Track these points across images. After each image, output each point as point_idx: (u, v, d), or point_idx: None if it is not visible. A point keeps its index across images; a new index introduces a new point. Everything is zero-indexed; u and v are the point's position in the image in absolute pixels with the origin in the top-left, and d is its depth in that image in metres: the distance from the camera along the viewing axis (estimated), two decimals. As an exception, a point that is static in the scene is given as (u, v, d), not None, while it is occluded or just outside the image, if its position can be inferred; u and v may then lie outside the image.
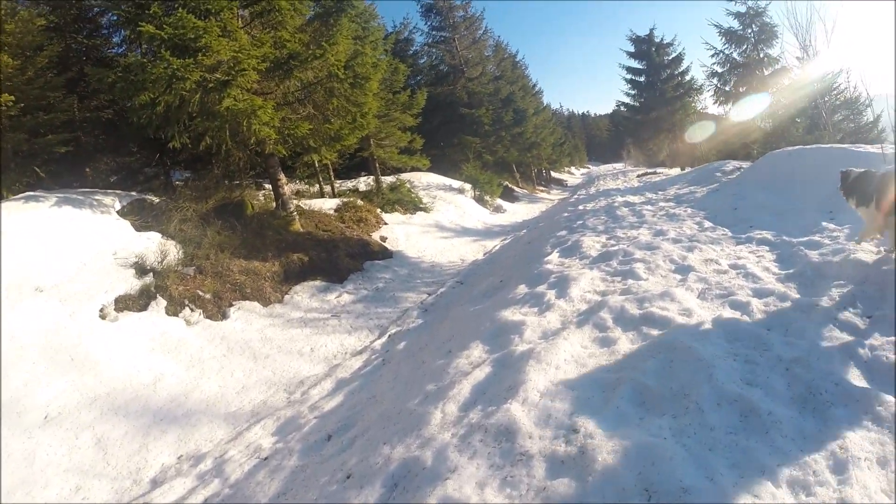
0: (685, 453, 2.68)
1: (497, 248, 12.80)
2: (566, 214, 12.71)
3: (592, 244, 7.80)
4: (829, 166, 9.25)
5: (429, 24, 30.62)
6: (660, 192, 14.16)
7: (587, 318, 4.61)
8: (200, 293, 7.61)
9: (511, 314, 5.19)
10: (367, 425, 4.19)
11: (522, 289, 6.16)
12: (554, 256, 7.54)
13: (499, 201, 22.20)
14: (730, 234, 7.24)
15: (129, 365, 5.75)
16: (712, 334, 3.84)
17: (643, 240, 7.33)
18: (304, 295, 8.77)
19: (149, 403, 5.33)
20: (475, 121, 27.25)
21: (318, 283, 9.29)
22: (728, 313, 4.24)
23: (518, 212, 21.90)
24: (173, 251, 8.07)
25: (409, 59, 27.09)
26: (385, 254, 11.55)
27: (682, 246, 6.66)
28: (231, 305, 7.75)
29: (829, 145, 11.10)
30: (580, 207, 13.53)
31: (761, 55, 18.28)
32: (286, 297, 8.61)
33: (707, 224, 8.15)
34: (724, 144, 22.89)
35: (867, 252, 5.12)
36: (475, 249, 13.06)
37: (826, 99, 17.64)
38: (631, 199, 13.60)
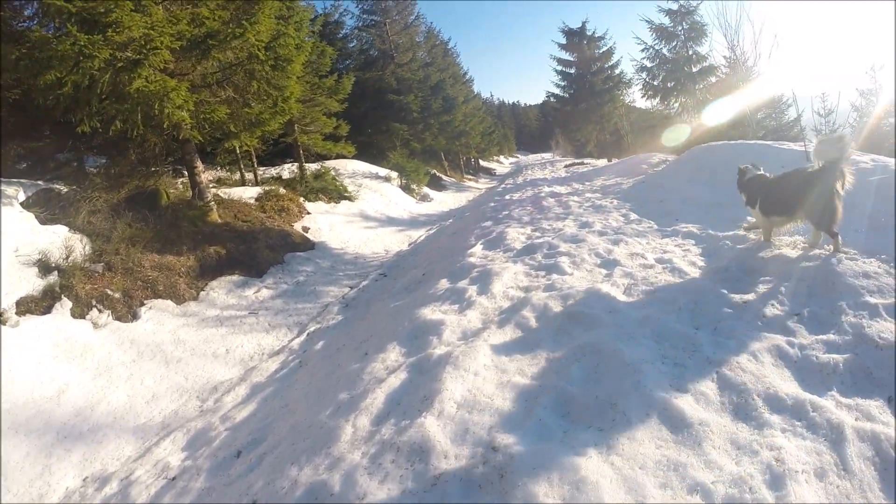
0: (613, 474, 2.46)
1: (422, 238, 12.53)
2: (492, 204, 12.58)
3: (517, 236, 7.64)
4: (753, 161, 9.48)
5: (360, 6, 29.96)
6: (587, 183, 14.23)
7: (509, 316, 4.38)
8: (109, 292, 6.97)
9: (431, 312, 4.91)
10: (277, 439, 3.84)
11: (444, 284, 5.90)
12: (478, 249, 7.33)
13: (426, 190, 21.93)
14: (656, 226, 7.20)
15: (32, 376, 5.16)
16: (639, 334, 3.68)
17: (569, 232, 7.21)
18: (220, 291, 8.23)
19: (52, 419, 4.80)
20: (403, 107, 26.83)
21: (235, 277, 8.75)
22: (655, 311, 4.09)
23: (445, 201, 21.70)
24: (80, 246, 7.36)
25: (338, 43, 26.34)
26: (307, 245, 11.08)
27: (608, 239, 6.57)
28: (142, 305, 7.15)
29: (753, 141, 11.36)
30: (507, 197, 13.42)
31: (690, 52, 18.71)
32: (202, 293, 8.05)
33: (633, 216, 8.10)
34: (649, 136, 23.39)
35: (791, 247, 5.15)
36: (400, 240, 12.75)
37: (749, 97, 18.20)
38: (558, 189, 13.59)
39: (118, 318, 6.73)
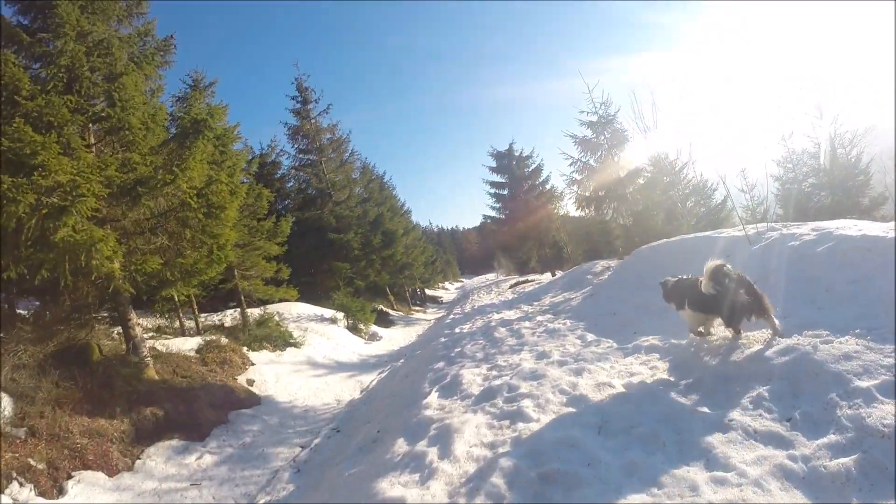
0: None
1: (374, 383, 11.87)
2: (443, 339, 12.09)
3: (473, 378, 7.13)
4: (694, 257, 9.47)
5: (296, 146, 30.18)
6: (535, 303, 14.08)
7: (477, 485, 3.85)
8: (32, 462, 6.11)
9: (389, 486, 4.31)
10: None
11: (402, 445, 5.31)
12: (433, 398, 6.79)
13: (374, 328, 21.35)
14: (615, 345, 6.95)
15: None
16: (627, 488, 3.24)
17: (527, 367, 6.76)
18: (158, 459, 7.36)
19: None
20: (344, 245, 26.73)
21: (175, 442, 7.88)
22: (638, 453, 3.69)
23: (394, 338, 21.11)
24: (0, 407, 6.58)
25: (276, 183, 26.51)
26: (253, 400, 10.28)
27: (570, 369, 6.19)
28: (70, 477, 6.26)
29: (691, 235, 11.52)
30: (456, 330, 12.95)
31: (616, 159, 19.41)
32: (137, 462, 7.18)
33: (590, 337, 7.85)
34: (588, 244, 23.78)
35: (762, 343, 4.99)
36: (351, 386, 12.05)
37: (676, 190, 18.88)
38: (507, 314, 13.31)
39: (42, 494, 5.86)
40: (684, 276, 6.14)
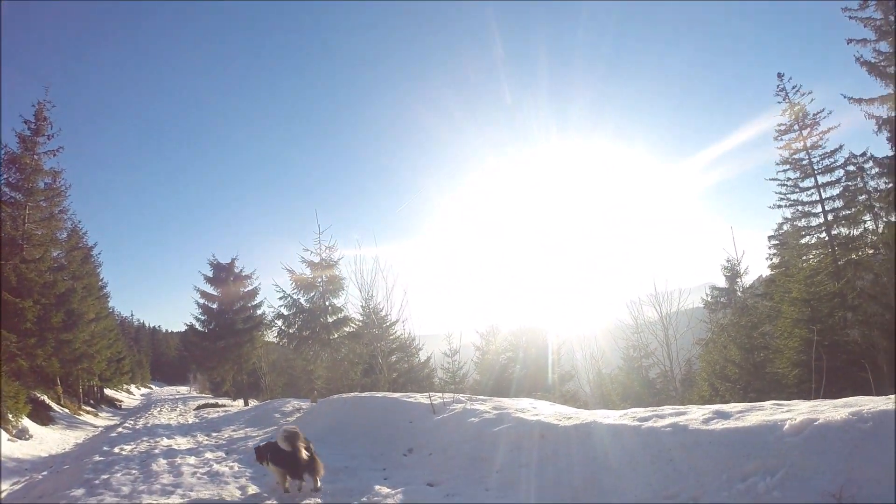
0: None
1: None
2: (98, 458, 10.66)
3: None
4: (381, 416, 9.83)
5: (4, 177, 24.61)
6: (213, 434, 13.35)
7: None
8: None
9: None
10: None
11: None
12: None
13: (25, 423, 17.90)
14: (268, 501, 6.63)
15: None
16: None
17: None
18: None
19: None
20: (18, 313, 22.85)
21: None
22: None
23: (47, 440, 17.93)
24: None
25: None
26: None
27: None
28: None
29: (381, 394, 11.91)
30: (115, 450, 11.51)
31: (327, 303, 20.07)
32: None
33: (252, 489, 7.28)
34: (289, 377, 23.65)
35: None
36: (-20, 499, 9.83)
37: (381, 343, 19.97)
38: (178, 443, 12.30)
39: None
40: (272, 440, 7.10)
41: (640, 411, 6.52)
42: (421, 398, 10.11)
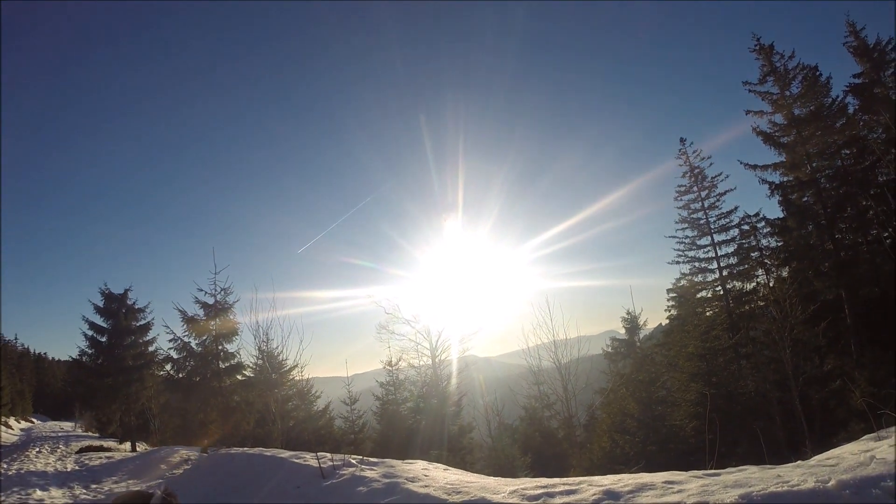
0: None
1: None
2: None
3: None
4: (269, 479, 9.15)
5: None
6: (92, 487, 12.10)
7: None
8: None
9: None
10: None
11: None
12: None
13: None
14: None
15: None
16: None
17: None
18: None
19: None
20: None
21: None
22: None
23: None
24: None
25: None
26: None
27: None
28: None
29: (271, 452, 11.28)
30: None
31: (220, 348, 18.73)
32: None
33: None
34: (182, 421, 21.95)
35: None
36: None
37: (276, 391, 18.76)
38: (52, 496, 11.13)
39: None
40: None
41: (531, 487, 6.36)
42: (311, 459, 9.59)
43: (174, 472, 12.74)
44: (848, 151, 23.24)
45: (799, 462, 5.95)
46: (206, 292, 19.05)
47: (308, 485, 8.41)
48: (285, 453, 11.19)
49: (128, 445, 25.60)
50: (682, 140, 26.34)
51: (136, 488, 10.34)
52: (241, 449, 12.86)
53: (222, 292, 19.09)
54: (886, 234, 19.48)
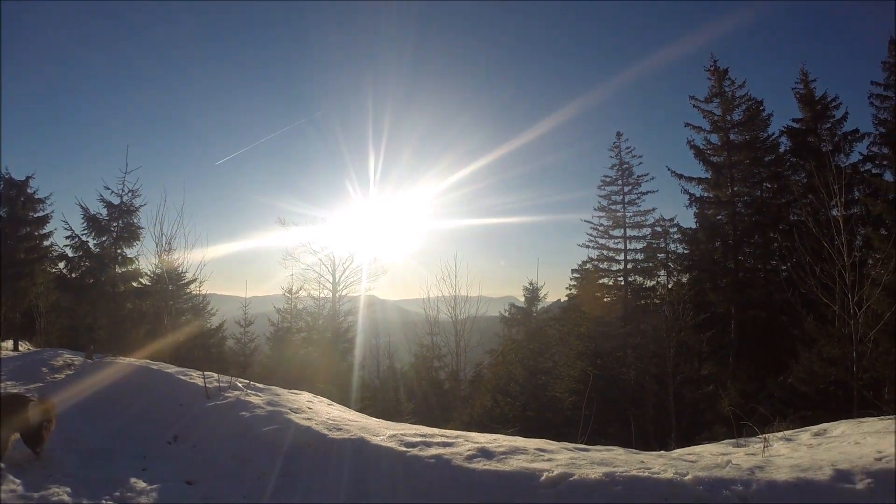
0: None
1: None
2: None
3: None
4: (154, 393, 8.84)
5: None
6: None
7: None
8: None
9: None
10: None
11: None
12: None
13: None
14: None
15: None
16: None
17: None
18: None
19: None
20: None
21: None
22: None
23: None
24: None
25: None
26: None
27: None
28: None
29: (158, 366, 10.89)
30: None
31: (118, 252, 17.88)
32: None
33: None
34: (71, 322, 20.92)
35: None
36: None
37: (172, 303, 18.16)
38: None
39: None
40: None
41: (410, 434, 6.45)
42: (197, 377, 9.34)
43: (56, 376, 12.10)
44: (769, 185, 24.88)
45: (663, 452, 6.27)
46: (112, 192, 18.16)
47: (191, 403, 8.23)
48: (172, 368, 10.87)
49: (10, 344, 24.22)
50: (619, 134, 27.25)
51: (15, 391, 9.87)
52: (127, 359, 12.45)
53: (130, 194, 18.24)
54: (784, 269, 20.65)
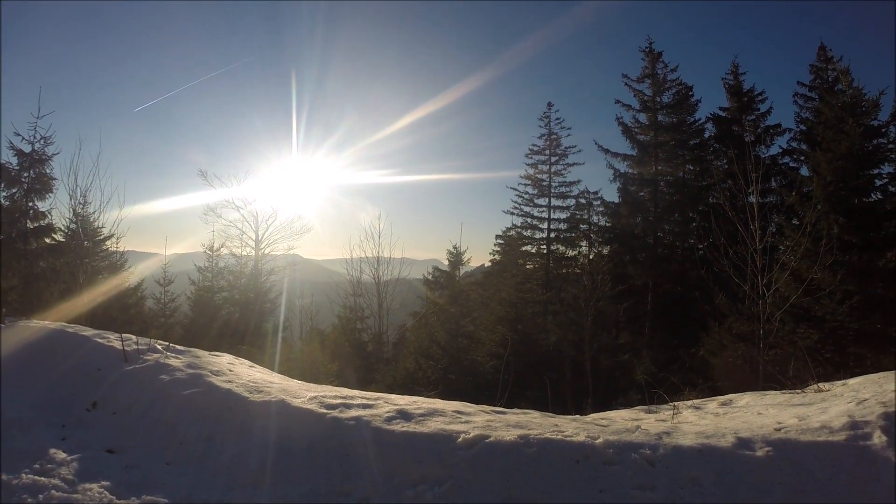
0: None
1: None
2: None
3: None
4: (69, 357, 8.07)
5: None
6: None
7: None
8: None
9: None
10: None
11: None
12: None
13: None
14: None
15: None
16: None
17: None
18: None
19: None
20: None
21: None
22: None
23: None
24: None
25: None
26: None
27: None
28: None
29: (74, 329, 9.81)
30: None
31: (30, 205, 16.68)
32: None
33: None
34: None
35: None
36: None
37: (88, 260, 17.23)
38: None
39: None
40: None
41: (331, 396, 6.42)
42: (115, 340, 8.65)
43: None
44: (692, 168, 25.99)
45: (577, 416, 6.47)
46: (23, 138, 16.69)
47: (109, 368, 7.72)
48: (89, 331, 10.26)
49: None
50: (550, 105, 27.43)
51: None
52: (41, 322, 11.68)
53: (42, 141, 16.81)
54: (700, 248, 21.55)
